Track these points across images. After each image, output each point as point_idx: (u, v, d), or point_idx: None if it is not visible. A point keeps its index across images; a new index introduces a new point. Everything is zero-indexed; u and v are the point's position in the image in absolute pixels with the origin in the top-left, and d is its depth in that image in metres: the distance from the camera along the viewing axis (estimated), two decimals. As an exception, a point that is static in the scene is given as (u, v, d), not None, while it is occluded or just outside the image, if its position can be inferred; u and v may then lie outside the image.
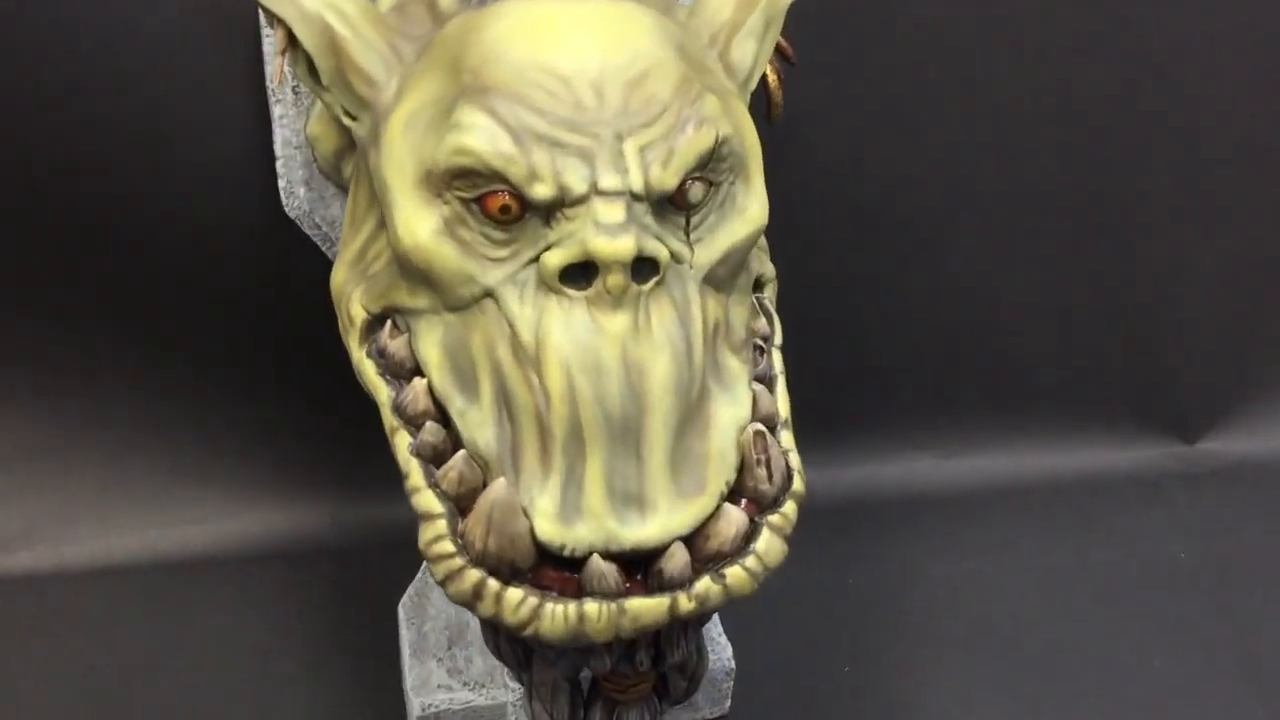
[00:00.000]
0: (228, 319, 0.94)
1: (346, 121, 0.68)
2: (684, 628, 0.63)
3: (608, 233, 0.59)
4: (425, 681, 0.80)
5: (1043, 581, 0.98)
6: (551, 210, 0.60)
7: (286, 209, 0.81)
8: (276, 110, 0.78)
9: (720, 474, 0.61)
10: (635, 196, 0.60)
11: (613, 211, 0.60)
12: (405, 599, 0.85)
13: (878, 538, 1.01)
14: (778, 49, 0.75)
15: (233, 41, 0.83)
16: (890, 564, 0.98)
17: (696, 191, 0.62)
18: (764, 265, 0.72)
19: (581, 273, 0.60)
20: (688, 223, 0.64)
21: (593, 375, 0.58)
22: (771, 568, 0.61)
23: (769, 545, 0.61)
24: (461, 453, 0.60)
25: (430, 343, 0.63)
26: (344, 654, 0.89)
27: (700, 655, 0.70)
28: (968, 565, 0.98)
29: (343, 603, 0.93)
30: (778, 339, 0.70)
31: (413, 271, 0.63)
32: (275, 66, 0.69)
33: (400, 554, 0.80)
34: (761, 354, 0.68)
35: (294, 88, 0.77)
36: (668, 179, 0.61)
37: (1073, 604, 0.96)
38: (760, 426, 0.62)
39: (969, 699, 0.88)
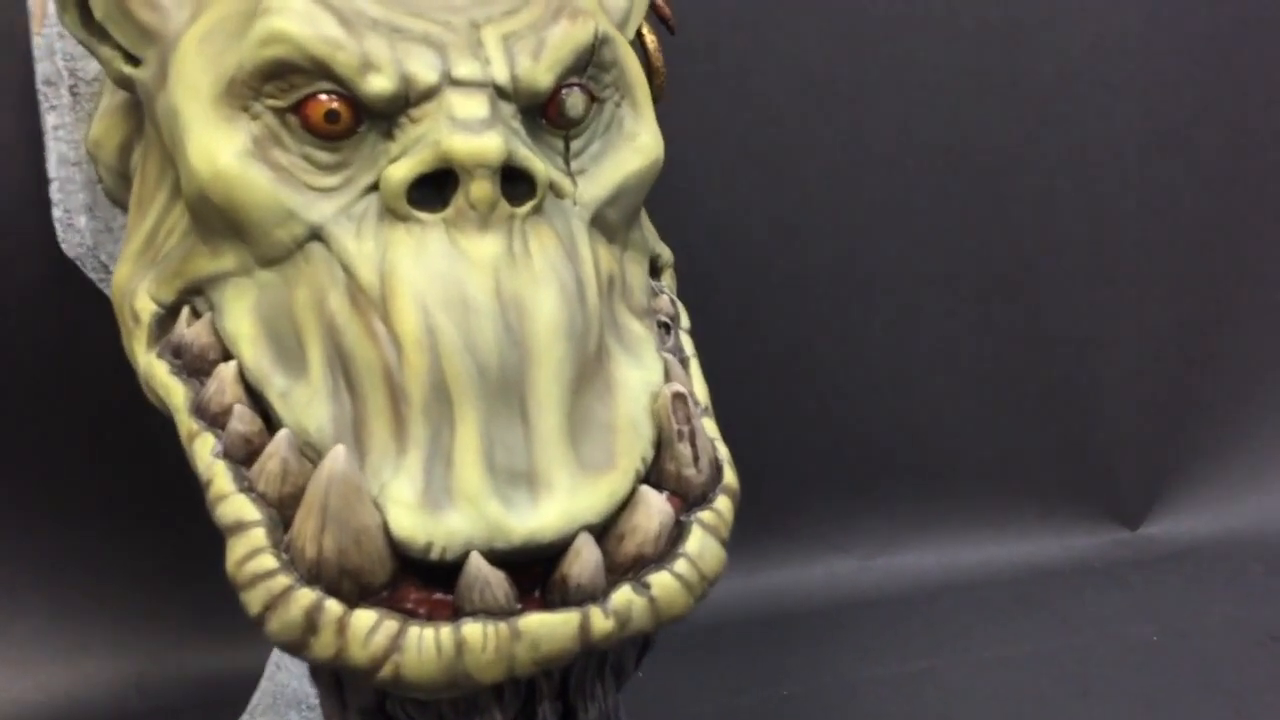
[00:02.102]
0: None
1: (128, 70, 0.54)
2: (600, 666, 0.47)
3: (467, 129, 0.46)
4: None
5: (1009, 672, 0.83)
6: (393, 115, 0.47)
7: (64, 246, 0.65)
8: (50, 119, 0.64)
9: (633, 446, 0.46)
10: (500, 92, 0.48)
11: (473, 104, 0.47)
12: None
13: (808, 645, 0.85)
14: (655, 9, 0.65)
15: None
16: (826, 671, 0.82)
17: (576, 102, 0.50)
18: (659, 245, 0.60)
19: (436, 191, 0.46)
20: (567, 149, 0.51)
21: (458, 313, 0.44)
22: (709, 577, 0.46)
23: (703, 547, 0.46)
24: (284, 432, 0.44)
25: (240, 313, 0.48)
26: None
27: (619, 725, 0.53)
28: (916, 665, 0.83)
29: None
30: (685, 323, 0.57)
31: (214, 217, 0.48)
32: (35, 5, 0.56)
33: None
34: (668, 332, 0.54)
35: (70, 88, 0.64)
36: (540, 75, 0.48)
37: (1048, 693, 0.81)
38: (680, 388, 0.48)
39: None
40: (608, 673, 0.47)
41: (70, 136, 0.64)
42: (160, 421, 0.75)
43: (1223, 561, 0.97)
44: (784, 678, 0.82)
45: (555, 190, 0.49)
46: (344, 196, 0.47)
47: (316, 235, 0.47)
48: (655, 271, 0.59)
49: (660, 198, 0.61)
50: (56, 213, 0.66)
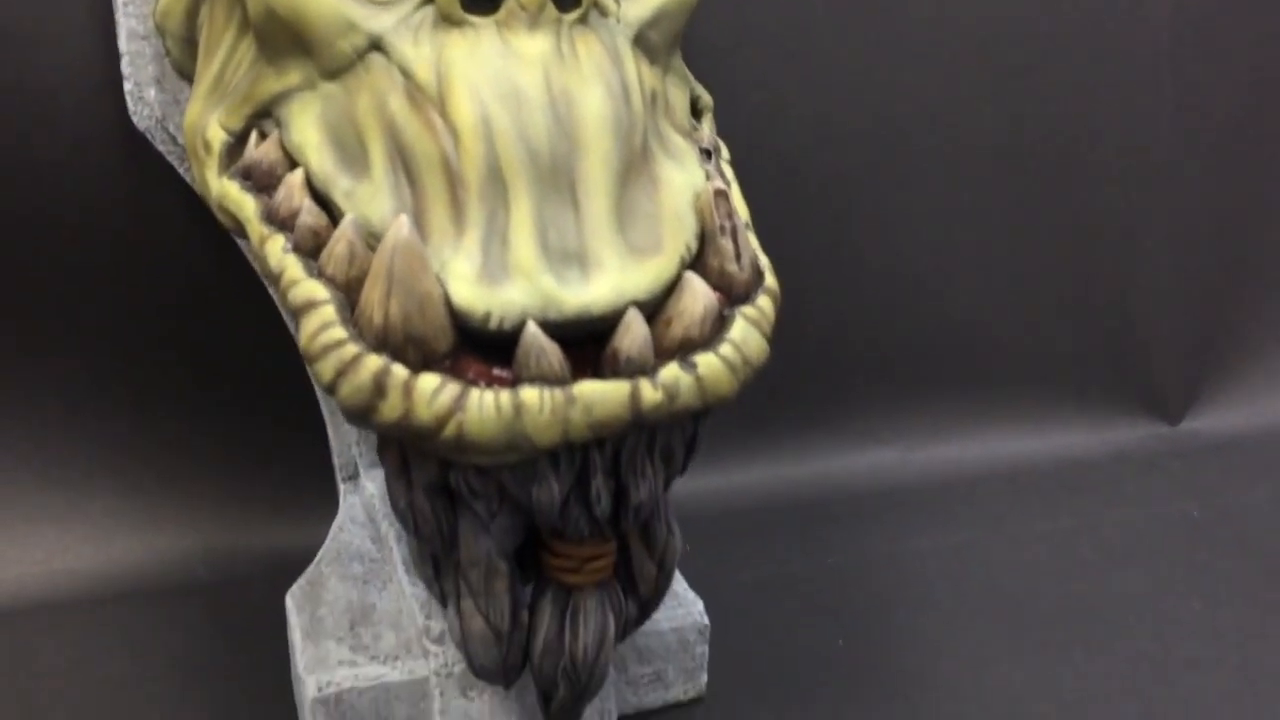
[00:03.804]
0: (58, 288, 0.77)
1: None
2: (650, 447, 0.49)
3: None
4: (322, 660, 0.62)
5: (1048, 544, 0.84)
6: None
7: (135, 119, 0.69)
8: (120, -5, 0.68)
9: (678, 234, 0.49)
10: None
11: (520, -82, 0.50)
12: (294, 589, 0.68)
13: (851, 524, 0.86)
14: None
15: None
16: (870, 544, 0.84)
17: (620, -77, 0.53)
18: (700, 89, 0.63)
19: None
20: (608, -31, 0.54)
21: (511, 104, 0.47)
22: (752, 362, 0.49)
23: (746, 335, 0.48)
24: (349, 217, 0.47)
25: (305, 124, 0.51)
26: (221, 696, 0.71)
27: (671, 532, 0.55)
28: (958, 539, 0.85)
29: (218, 643, 0.76)
30: (725, 155, 0.59)
31: (280, 34, 0.51)
32: None
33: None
34: (708, 158, 0.57)
35: (140, -37, 0.67)
36: None
37: (1087, 561, 0.82)
38: (722, 185, 0.50)
39: (984, 658, 0.73)
40: (657, 455, 0.50)
41: (139, 11, 0.67)
42: (234, 295, 0.79)
43: (1265, 451, 0.98)
44: (828, 550, 0.83)
45: (599, 7, 0.52)
46: (402, 8, 0.50)
47: (376, 45, 0.50)
48: (696, 113, 0.62)
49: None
50: (128, 86, 0.69)
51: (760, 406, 0.95)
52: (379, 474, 0.75)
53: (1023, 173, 0.96)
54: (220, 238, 0.75)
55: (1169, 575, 0.82)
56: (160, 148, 0.70)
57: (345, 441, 0.76)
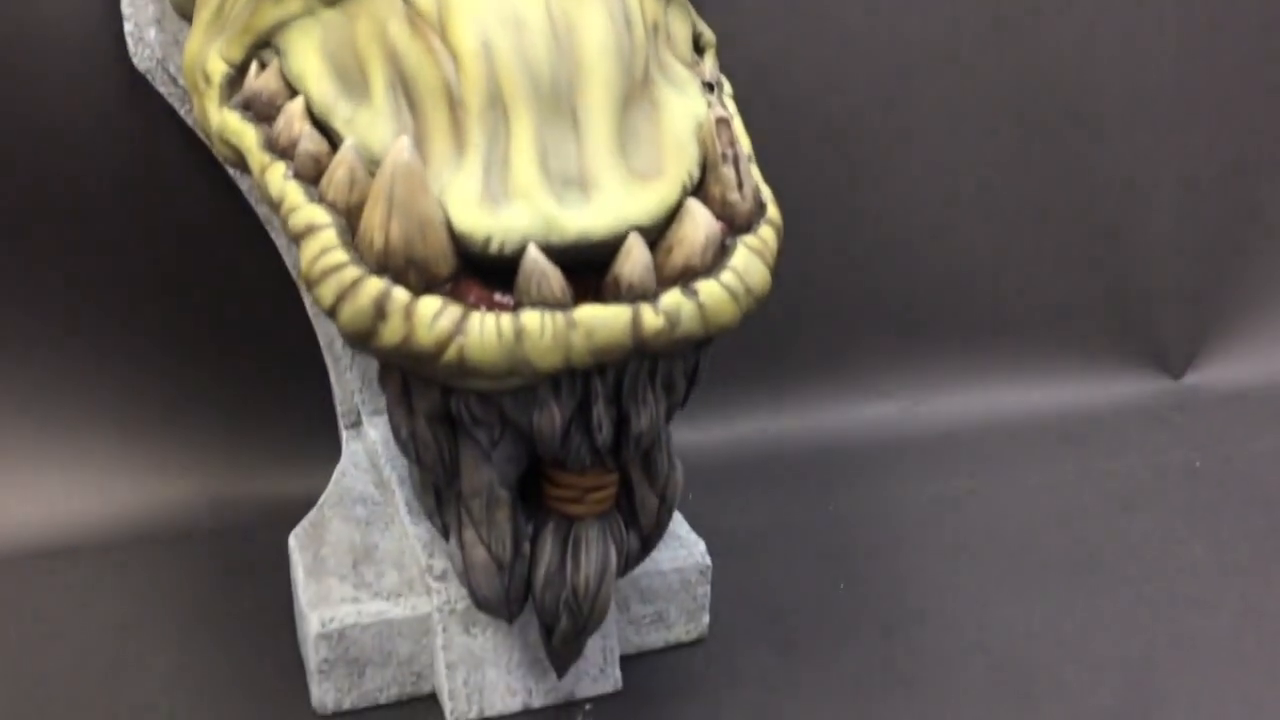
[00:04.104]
0: (58, 233, 0.76)
1: None
2: (652, 375, 0.49)
3: None
4: (325, 597, 0.63)
5: (1051, 493, 0.84)
6: None
7: (135, 60, 0.69)
8: (119, -67, 0.68)
9: (680, 161, 0.48)
10: None
11: None
12: (297, 530, 0.69)
13: (854, 474, 0.87)
14: None
15: None
16: (873, 492, 0.84)
17: None
18: (702, 25, 0.62)
19: None
20: (610, -100, 0.54)
21: (511, 29, 0.46)
22: (754, 291, 0.48)
23: (748, 263, 0.48)
24: (349, 141, 0.47)
25: (305, 51, 0.51)
26: (226, 640, 0.72)
27: (673, 465, 0.55)
28: (961, 487, 0.85)
29: (222, 587, 0.76)
30: (728, 90, 0.59)
31: (279, -40, 0.51)
32: None
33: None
34: (711, 91, 0.57)
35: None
36: None
37: (1089, 508, 0.82)
38: (724, 113, 0.50)
39: (985, 600, 0.73)
40: (659, 384, 0.50)
41: (139, -51, 0.68)
42: (236, 240, 0.79)
43: (1270, 403, 0.98)
44: (830, 497, 0.83)
45: (598, -66, 0.52)
46: (401, -67, 0.50)
47: (376, -29, 0.50)
48: (699, 50, 0.61)
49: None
50: (128, 27, 0.69)
51: (763, 359, 0.94)
52: (381, 421, 0.76)
53: (1026, 123, 0.95)
54: (223, 181, 0.75)
55: (1171, 521, 0.82)
56: (161, 89, 0.70)
57: (348, 389, 0.77)
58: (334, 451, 0.77)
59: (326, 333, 0.76)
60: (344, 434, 0.77)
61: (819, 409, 0.94)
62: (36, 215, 0.75)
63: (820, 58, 0.90)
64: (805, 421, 0.93)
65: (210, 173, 0.75)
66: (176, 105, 0.70)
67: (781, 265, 0.94)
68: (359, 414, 0.77)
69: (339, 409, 0.77)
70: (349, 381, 0.76)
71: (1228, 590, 0.75)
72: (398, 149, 0.45)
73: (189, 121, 0.71)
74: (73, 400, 0.80)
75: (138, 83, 0.70)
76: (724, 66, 0.85)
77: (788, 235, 0.95)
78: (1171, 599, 0.74)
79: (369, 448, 0.75)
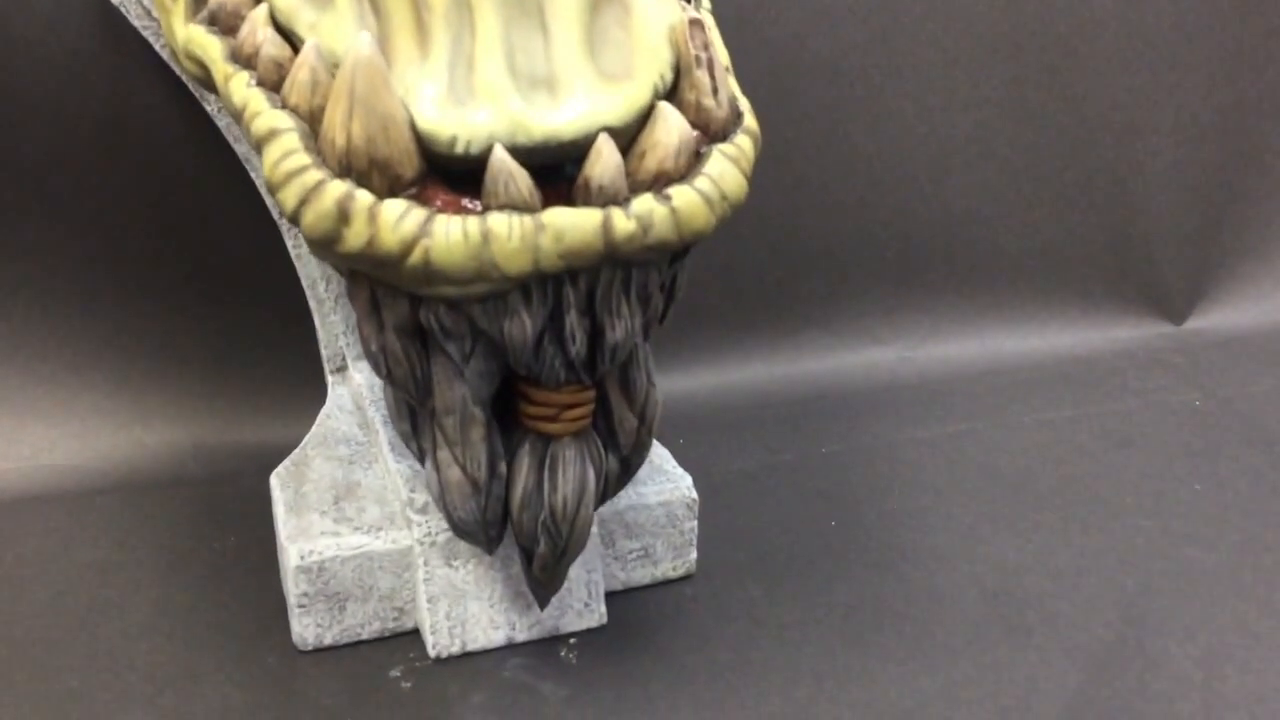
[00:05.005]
0: (38, 178, 0.75)
1: None
2: (626, 285, 0.48)
3: None
4: (305, 530, 0.62)
5: (1047, 432, 0.83)
6: None
7: (107, -9, 0.68)
8: None
9: (651, 63, 0.47)
10: None
11: None
12: (279, 469, 0.67)
13: (847, 418, 0.85)
14: None
15: None
16: (866, 435, 0.83)
17: None
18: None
19: None
20: None
21: (476, -75, 0.46)
22: (729, 198, 0.47)
23: (723, 170, 0.47)
24: (311, 42, 0.46)
25: (270, -42, 0.50)
26: (208, 583, 0.71)
27: (651, 383, 0.54)
28: (955, 429, 0.83)
29: (206, 532, 0.75)
30: (707, 3, 0.58)
31: None
32: None
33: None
34: (689, 1, 0.55)
35: None
36: None
37: (1086, 447, 0.81)
38: (697, 15, 0.49)
39: (978, 536, 0.72)
40: (634, 295, 0.49)
41: (110, -122, 0.67)
42: (218, 185, 0.77)
43: (1270, 346, 0.96)
44: (823, 440, 0.82)
45: None
46: None
47: (340, -126, 0.49)
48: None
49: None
50: (100, -43, 0.69)
51: (756, 306, 0.93)
52: (366, 365, 0.75)
53: (1022, 65, 0.94)
54: (201, 118, 0.74)
55: (1169, 460, 0.80)
56: (135, 22, 0.69)
57: (333, 333, 0.76)
58: (319, 398, 0.77)
59: (310, 276, 0.75)
60: (329, 379, 0.76)
61: (813, 355, 0.93)
62: (12, 161, 0.74)
63: (821, 16, 0.89)
64: (799, 368, 0.92)
65: (187, 109, 0.73)
66: (150, 38, 0.69)
67: (774, 208, 0.93)
68: (344, 358, 0.76)
69: (324, 354, 0.76)
70: (334, 325, 0.75)
71: (1225, 526, 0.74)
72: (359, 45, 0.43)
73: (164, 55, 0.70)
74: (56, 348, 0.80)
75: (111, 16, 0.69)
76: (716, 9, 0.84)
77: (781, 178, 0.94)
78: (1167, 534, 0.73)
79: (354, 391, 0.74)
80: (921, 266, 0.96)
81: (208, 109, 0.71)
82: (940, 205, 0.95)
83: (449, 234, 0.44)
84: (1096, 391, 0.89)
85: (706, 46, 0.49)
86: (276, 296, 0.79)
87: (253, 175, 0.74)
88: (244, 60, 0.49)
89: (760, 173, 0.88)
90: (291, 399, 0.81)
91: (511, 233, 0.44)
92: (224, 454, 0.80)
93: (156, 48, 0.70)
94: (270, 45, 0.48)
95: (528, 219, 0.44)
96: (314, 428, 0.72)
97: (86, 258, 0.77)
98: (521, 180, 0.44)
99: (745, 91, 0.65)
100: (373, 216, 0.44)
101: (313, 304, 0.75)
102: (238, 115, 0.48)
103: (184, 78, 0.71)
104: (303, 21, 0.48)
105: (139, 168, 0.76)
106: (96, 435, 0.80)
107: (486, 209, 0.44)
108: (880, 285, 0.95)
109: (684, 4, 0.54)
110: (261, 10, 0.49)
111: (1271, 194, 1.02)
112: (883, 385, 0.91)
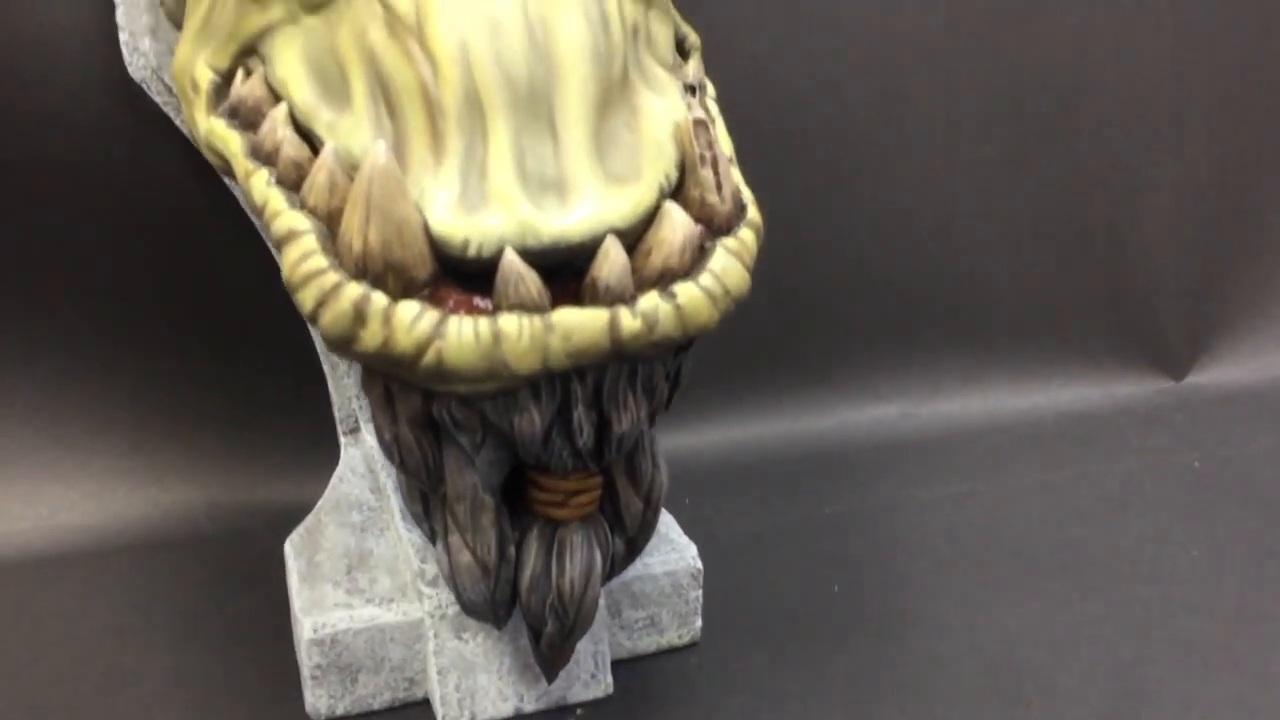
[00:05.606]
0: (57, 242, 0.76)
1: None
2: (632, 378, 0.49)
3: None
4: (318, 603, 0.63)
5: (1048, 494, 0.84)
6: None
7: (130, 69, 0.69)
8: (113, -57, 0.68)
9: (657, 163, 0.49)
10: None
11: None
12: (293, 536, 0.69)
13: (849, 477, 0.87)
14: None
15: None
16: (868, 495, 0.84)
17: None
18: (686, 28, 0.62)
19: None
20: (590, -95, 0.54)
21: (488, 32, 0.47)
22: (732, 293, 0.49)
23: (726, 265, 0.49)
24: (330, 145, 0.48)
25: (288, 59, 0.51)
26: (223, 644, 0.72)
27: (657, 467, 0.55)
28: (957, 489, 0.85)
29: (220, 593, 0.76)
30: (711, 92, 0.59)
31: (261, -31, 0.52)
32: None
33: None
34: (693, 94, 0.57)
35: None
36: None
37: (1086, 510, 0.82)
38: (701, 115, 0.51)
39: (979, 602, 0.73)
40: (639, 387, 0.50)
41: (133, -41, 0.68)
42: (234, 248, 0.79)
43: (1269, 404, 0.97)
44: (825, 501, 0.83)
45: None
46: (383, -57, 0.51)
47: (357, -20, 0.50)
48: (683, 53, 0.61)
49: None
50: (123, 36, 0.70)
51: (759, 363, 0.95)
52: (378, 427, 0.76)
53: (1023, 125, 0.96)
54: (219, 189, 0.76)
55: (1169, 524, 0.81)
56: (156, 98, 0.71)
57: (345, 395, 0.77)
58: (332, 458, 0.78)
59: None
60: (342, 440, 0.78)
61: (816, 412, 0.95)
62: (35, 225, 0.76)
63: (816, 58, 0.90)
64: (802, 425, 0.93)
65: (206, 181, 0.75)
66: (171, 114, 0.71)
67: (778, 267, 0.95)
68: (357, 420, 0.77)
69: (337, 415, 0.78)
70: (347, 388, 0.77)
71: (1223, 593, 0.75)
72: (374, 153, 0.45)
73: (184, 130, 0.72)
74: (72, 409, 0.81)
75: (133, 92, 0.71)
76: (719, 66, 0.85)
77: (784, 236, 0.96)
78: (1165, 602, 0.74)
79: (366, 453, 0.75)
80: (924, 324, 0.97)
81: (225, 180, 0.73)
82: (942, 263, 0.96)
83: (461, 335, 0.45)
84: (1097, 450, 0.91)
85: (711, 145, 0.50)
86: (290, 359, 0.81)
87: (267, 242, 0.75)
88: (264, 157, 0.51)
89: (764, 233, 0.90)
90: (305, 459, 0.82)
91: (522, 333, 0.45)
92: (238, 513, 0.81)
93: (176, 122, 0.71)
94: (289, 146, 0.49)
95: (537, 319, 0.45)
96: (327, 491, 0.73)
97: (105, 321, 0.79)
98: (531, 281, 0.45)
99: (749, 150, 0.67)
100: (388, 318, 0.45)
101: (326, 367, 0.76)
102: (258, 212, 0.50)
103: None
104: (321, 121, 0.50)
105: (158, 234, 0.78)
106: (113, 496, 0.81)
107: (497, 309, 0.46)
108: (883, 342, 0.96)
109: (689, 97, 0.56)
110: (282, 109, 0.51)
111: (1270, 250, 1.03)
112: (885, 442, 0.92)
